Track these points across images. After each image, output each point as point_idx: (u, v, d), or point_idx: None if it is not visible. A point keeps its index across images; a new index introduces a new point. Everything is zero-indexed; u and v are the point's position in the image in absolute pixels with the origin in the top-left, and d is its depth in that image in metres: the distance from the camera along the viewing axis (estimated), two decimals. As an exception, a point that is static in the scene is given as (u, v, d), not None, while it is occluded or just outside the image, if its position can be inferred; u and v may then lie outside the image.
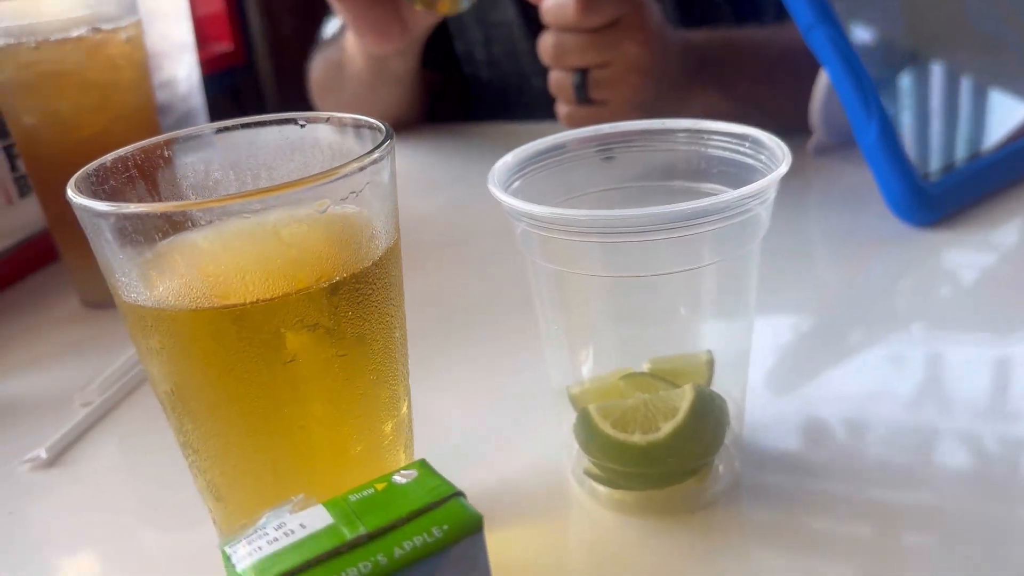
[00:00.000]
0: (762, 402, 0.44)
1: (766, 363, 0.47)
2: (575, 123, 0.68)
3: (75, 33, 0.56)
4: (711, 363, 0.39)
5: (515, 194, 0.38)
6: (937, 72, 0.63)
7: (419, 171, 0.83)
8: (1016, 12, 0.69)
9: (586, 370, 0.40)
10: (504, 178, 0.38)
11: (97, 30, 0.57)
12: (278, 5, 1.29)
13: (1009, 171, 0.62)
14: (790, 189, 0.67)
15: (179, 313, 0.29)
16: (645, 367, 0.40)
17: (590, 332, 0.39)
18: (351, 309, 0.30)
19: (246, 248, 0.29)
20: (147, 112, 0.62)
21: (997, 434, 0.41)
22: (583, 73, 0.65)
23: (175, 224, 0.28)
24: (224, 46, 1.22)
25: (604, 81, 0.65)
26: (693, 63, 0.70)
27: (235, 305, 0.28)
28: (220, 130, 0.36)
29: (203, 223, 0.28)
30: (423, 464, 0.26)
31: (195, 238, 0.28)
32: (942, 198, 0.58)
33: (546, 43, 0.66)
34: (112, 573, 0.39)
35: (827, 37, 0.55)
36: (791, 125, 0.73)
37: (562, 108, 0.68)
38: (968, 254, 0.57)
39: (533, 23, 0.67)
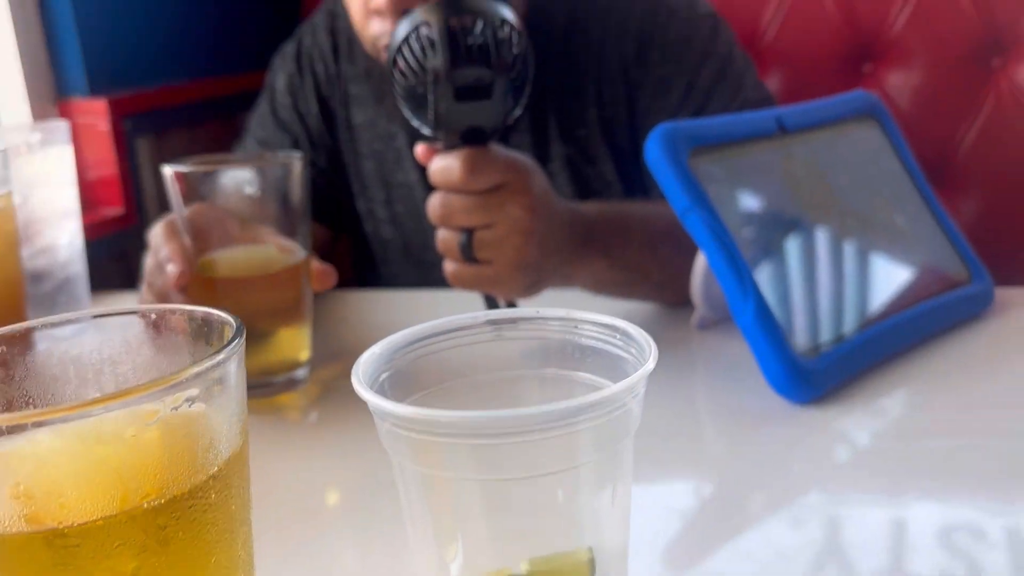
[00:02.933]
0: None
1: (653, 549, 0.45)
2: (461, 281, 0.68)
3: (-64, 206, 0.54)
4: (592, 561, 0.37)
5: (383, 386, 0.37)
6: (812, 251, 0.65)
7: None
8: (882, 192, 0.73)
9: (458, 571, 0.37)
10: (371, 371, 0.36)
11: (-39, 202, 0.55)
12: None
13: (886, 344, 0.64)
14: (675, 363, 0.68)
15: (-16, 538, 0.25)
16: (523, 567, 0.37)
17: (461, 532, 0.37)
18: (183, 530, 0.27)
19: (63, 464, 0.26)
20: (14, 287, 0.59)
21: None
22: (469, 233, 0.66)
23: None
24: (114, 210, 1.20)
25: (488, 241, 0.66)
26: (581, 231, 0.71)
27: (48, 529, 0.25)
28: (61, 323, 0.33)
29: (15, 435, 0.25)
30: None
31: (4, 453, 0.26)
32: (822, 375, 0.59)
33: (434, 203, 0.67)
34: None
35: (702, 221, 0.56)
36: (678, 297, 0.74)
37: (449, 266, 0.68)
38: (852, 428, 0.57)
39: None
